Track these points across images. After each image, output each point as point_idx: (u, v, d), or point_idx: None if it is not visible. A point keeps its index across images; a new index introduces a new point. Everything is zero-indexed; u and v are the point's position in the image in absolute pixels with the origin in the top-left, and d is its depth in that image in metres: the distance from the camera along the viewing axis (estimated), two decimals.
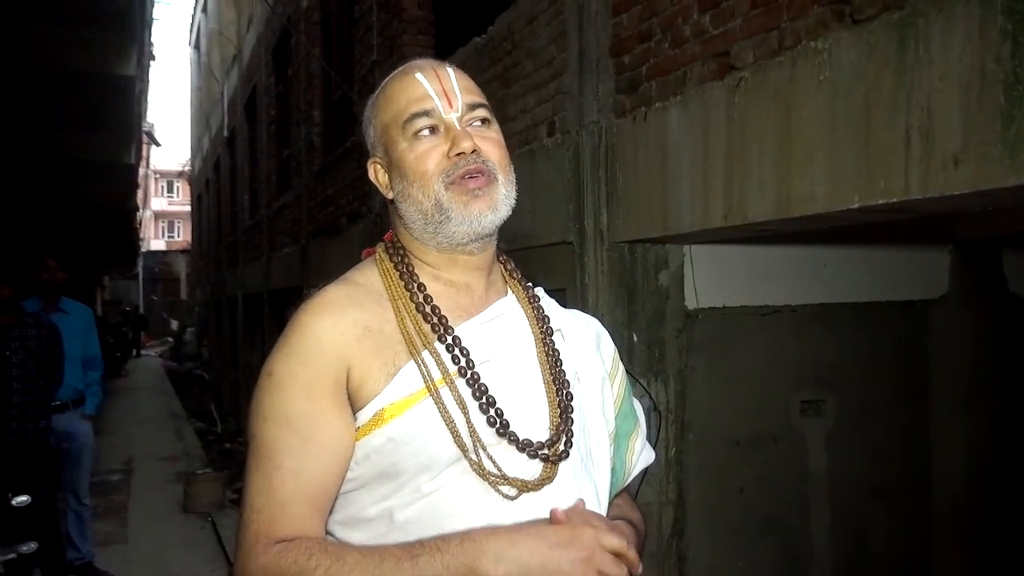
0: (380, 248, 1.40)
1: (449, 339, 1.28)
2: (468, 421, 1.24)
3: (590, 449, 1.38)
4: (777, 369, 3.92)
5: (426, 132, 1.31)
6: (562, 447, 1.30)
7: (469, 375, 1.26)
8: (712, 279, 3.81)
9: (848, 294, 4.12)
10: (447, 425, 1.22)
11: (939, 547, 4.33)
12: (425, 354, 1.26)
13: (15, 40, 6.33)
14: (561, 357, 1.39)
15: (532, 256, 4.23)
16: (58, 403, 5.24)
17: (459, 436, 1.22)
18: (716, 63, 3.10)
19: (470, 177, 1.30)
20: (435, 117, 1.31)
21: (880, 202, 2.40)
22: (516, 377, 1.32)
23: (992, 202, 2.37)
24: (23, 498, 3.76)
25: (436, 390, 1.24)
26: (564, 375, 1.37)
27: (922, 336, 4.32)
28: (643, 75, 3.53)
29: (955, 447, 4.30)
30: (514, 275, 1.48)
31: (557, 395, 1.34)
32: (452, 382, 1.25)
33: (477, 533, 1.16)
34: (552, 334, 1.42)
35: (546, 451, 1.28)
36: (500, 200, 1.32)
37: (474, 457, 1.22)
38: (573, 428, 1.33)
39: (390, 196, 1.37)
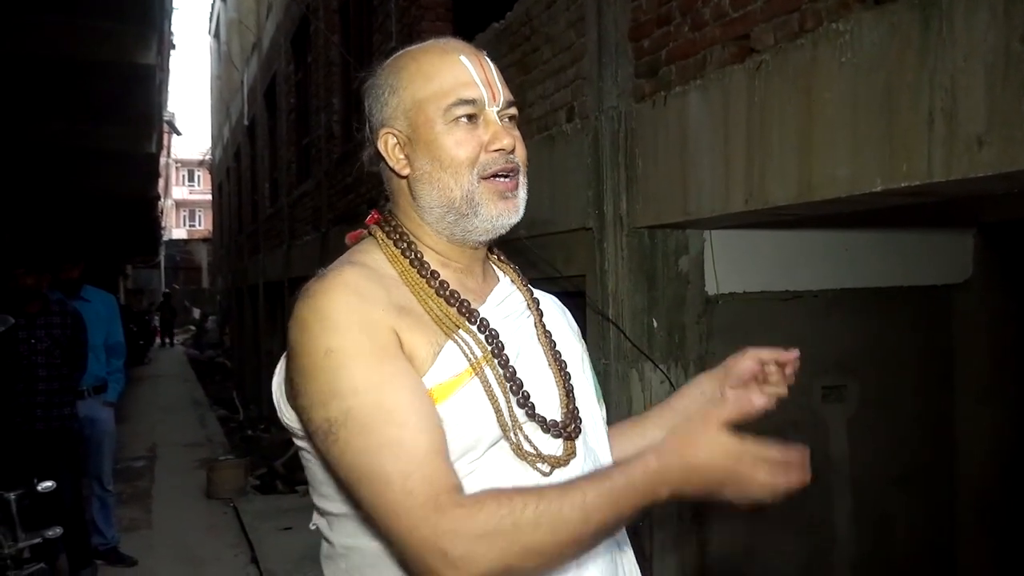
0: (379, 232, 1.35)
1: (478, 321, 1.28)
2: (508, 402, 1.24)
3: (590, 424, 1.40)
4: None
5: (466, 120, 1.28)
6: (574, 425, 1.32)
7: (501, 357, 1.27)
8: (732, 264, 3.79)
9: (870, 279, 4.08)
10: (492, 405, 1.22)
11: (962, 534, 4.30)
12: (462, 335, 1.26)
13: (38, 32, 6.39)
14: (554, 338, 1.42)
15: (551, 242, 4.22)
16: (79, 390, 5.29)
17: (502, 416, 1.23)
18: (736, 46, 3.08)
19: (503, 176, 1.30)
20: (478, 107, 1.28)
21: (903, 185, 2.37)
22: (529, 358, 1.33)
23: (1017, 185, 2.33)
24: (48, 484, 3.81)
25: (482, 370, 1.24)
26: (560, 355, 1.40)
27: (945, 321, 4.28)
28: (662, 59, 3.51)
29: (979, 433, 4.27)
30: (501, 257, 1.49)
31: (560, 374, 1.36)
32: (492, 363, 1.26)
33: (662, 460, 1.12)
34: (543, 316, 1.44)
35: (566, 430, 1.30)
36: (521, 204, 1.33)
37: (513, 438, 1.23)
38: (577, 404, 1.36)
39: (404, 173, 1.32)
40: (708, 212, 3.26)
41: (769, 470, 1.16)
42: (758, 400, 1.28)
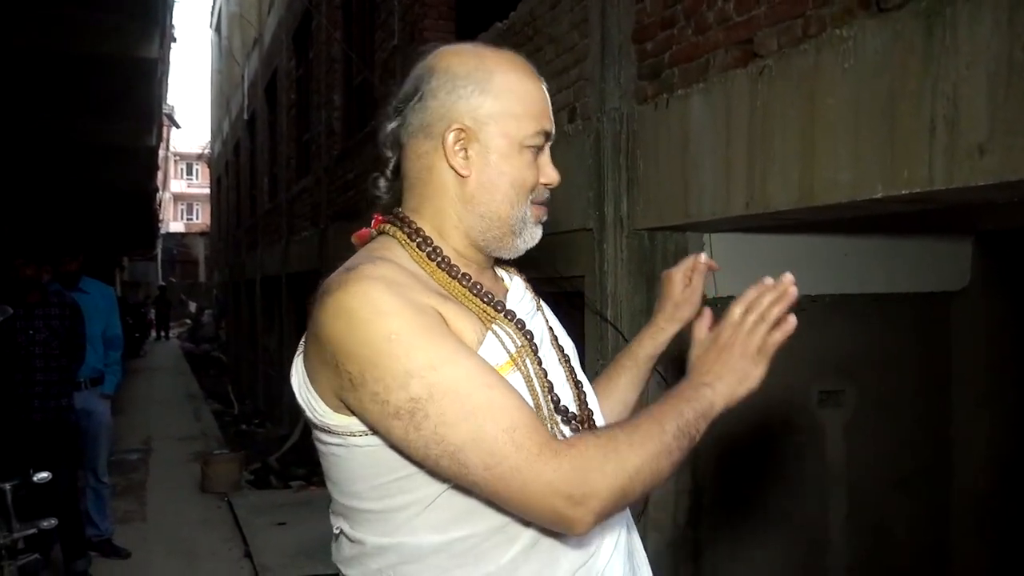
0: (399, 233, 1.33)
1: (510, 316, 1.30)
2: (544, 394, 1.27)
3: (597, 419, 1.42)
4: (796, 359, 3.89)
5: (538, 149, 1.33)
6: (588, 419, 1.35)
7: (534, 347, 1.30)
8: (732, 267, 3.74)
9: (869, 284, 4.09)
10: (531, 397, 1.24)
11: (958, 538, 4.32)
12: (499, 327, 1.27)
13: (42, 25, 6.38)
14: (555, 334, 1.46)
15: (551, 243, 4.20)
16: (77, 381, 5.29)
17: (540, 408, 1.25)
18: (740, 50, 3.08)
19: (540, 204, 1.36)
20: (546, 140, 1.35)
21: (904, 192, 2.38)
22: (546, 354, 1.35)
23: (1018, 193, 2.35)
24: (44, 474, 3.80)
25: (523, 362, 1.26)
26: (563, 349, 1.43)
27: (943, 327, 4.29)
28: (665, 62, 3.51)
29: (976, 438, 4.28)
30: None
31: (568, 370, 1.40)
32: (530, 355, 1.28)
33: (702, 392, 1.28)
34: (545, 314, 1.48)
35: (584, 423, 1.33)
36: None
37: (549, 429, 1.24)
38: (585, 395, 1.39)
39: (465, 173, 1.29)
40: (709, 215, 3.26)
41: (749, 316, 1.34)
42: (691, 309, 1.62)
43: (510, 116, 1.29)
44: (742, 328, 1.32)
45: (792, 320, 1.32)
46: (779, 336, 1.32)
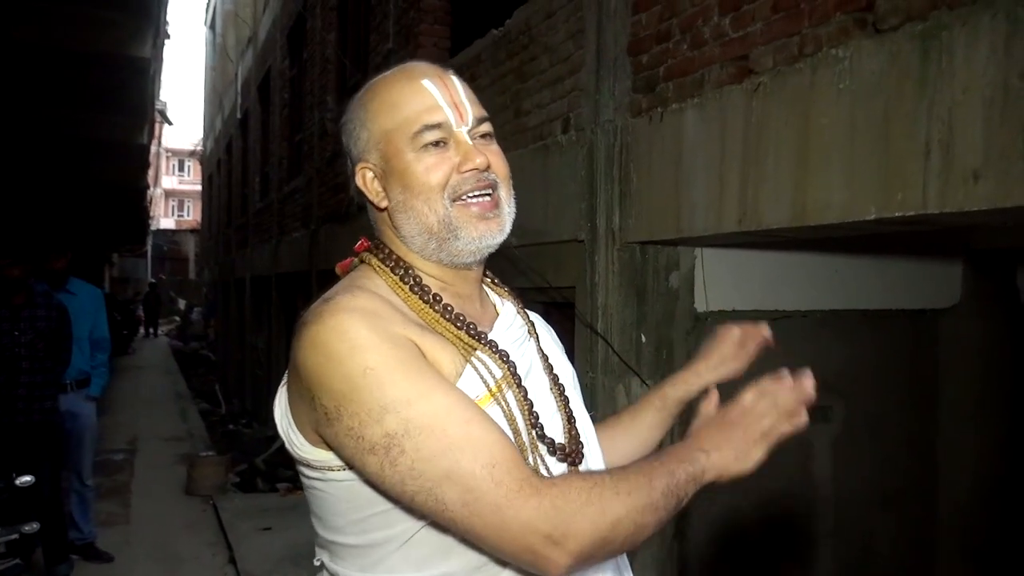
0: (374, 260, 1.33)
1: (489, 344, 1.28)
2: (526, 425, 1.25)
3: (589, 450, 1.39)
4: None
5: (435, 145, 1.27)
6: (578, 451, 1.32)
7: (517, 377, 1.27)
8: (723, 282, 3.79)
9: (859, 301, 4.10)
10: (511, 428, 1.22)
11: (944, 556, 4.32)
12: (478, 359, 1.25)
13: (39, 19, 6.34)
14: (550, 361, 1.42)
15: (542, 253, 4.21)
16: (62, 383, 5.24)
17: (520, 438, 1.23)
18: (735, 67, 3.08)
19: (479, 196, 1.28)
20: (445, 130, 1.27)
21: (897, 214, 2.38)
22: (534, 383, 1.32)
23: (1011, 218, 2.35)
24: (27, 478, 3.77)
25: (502, 394, 1.24)
26: (558, 378, 1.39)
27: (932, 345, 4.30)
28: (660, 75, 3.50)
29: (963, 456, 4.29)
30: (495, 280, 1.48)
31: (560, 398, 1.36)
32: (511, 385, 1.26)
33: (696, 456, 1.22)
34: (539, 339, 1.44)
35: (571, 456, 1.30)
36: (506, 220, 1.32)
37: (531, 461, 1.22)
38: (578, 428, 1.35)
39: (383, 205, 1.31)
40: (701, 230, 3.26)
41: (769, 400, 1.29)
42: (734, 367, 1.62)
43: (390, 131, 1.28)
44: (752, 411, 1.28)
45: (804, 418, 1.29)
46: (788, 428, 1.29)
